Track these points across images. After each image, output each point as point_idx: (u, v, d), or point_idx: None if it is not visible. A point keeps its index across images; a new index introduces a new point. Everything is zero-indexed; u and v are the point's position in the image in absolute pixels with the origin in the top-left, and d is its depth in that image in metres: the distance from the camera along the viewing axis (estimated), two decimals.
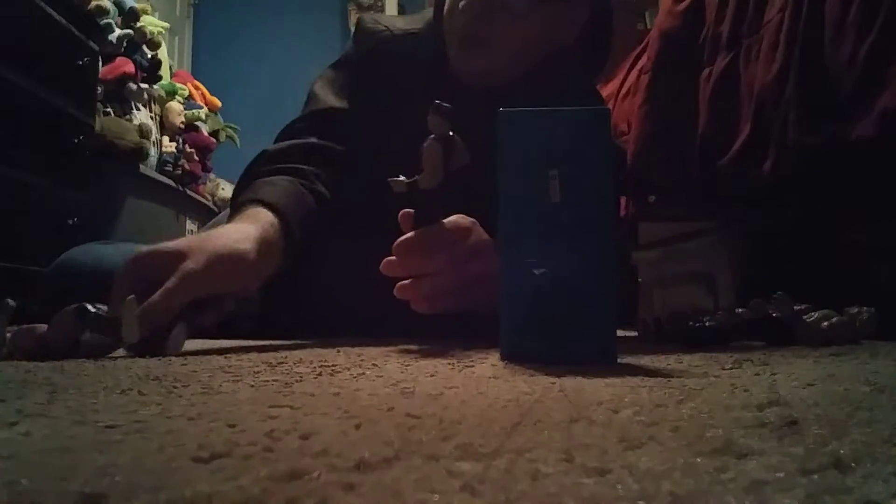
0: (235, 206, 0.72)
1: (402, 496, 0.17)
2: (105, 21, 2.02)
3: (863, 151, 0.89)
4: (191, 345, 0.75)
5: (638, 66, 1.72)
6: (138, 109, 2.35)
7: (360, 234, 0.91)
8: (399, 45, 0.94)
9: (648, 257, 1.69)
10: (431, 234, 0.63)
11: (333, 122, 0.88)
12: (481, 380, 0.40)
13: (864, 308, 0.73)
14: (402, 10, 3.80)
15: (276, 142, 0.90)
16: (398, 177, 0.61)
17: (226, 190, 3.02)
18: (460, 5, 0.83)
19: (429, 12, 1.00)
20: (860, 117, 0.87)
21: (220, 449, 0.21)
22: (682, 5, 1.41)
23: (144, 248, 0.61)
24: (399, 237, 0.62)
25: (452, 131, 0.60)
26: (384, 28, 0.95)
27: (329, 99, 0.91)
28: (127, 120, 2.25)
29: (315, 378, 0.42)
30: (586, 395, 0.34)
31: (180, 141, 2.69)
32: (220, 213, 1.81)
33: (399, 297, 0.63)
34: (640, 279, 1.78)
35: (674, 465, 0.20)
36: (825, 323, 0.69)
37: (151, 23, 2.36)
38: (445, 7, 0.88)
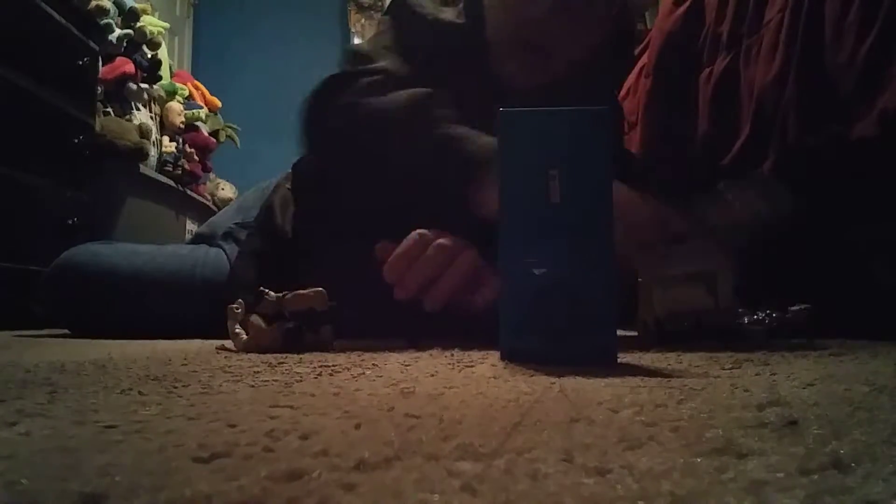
0: None
1: (402, 496, 0.17)
2: (105, 21, 2.01)
3: (863, 151, 0.88)
4: (191, 344, 0.75)
5: (638, 67, 1.72)
6: (138, 109, 2.35)
7: (358, 243, 0.91)
8: (439, 33, 0.88)
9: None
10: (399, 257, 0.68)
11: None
12: (481, 380, 0.40)
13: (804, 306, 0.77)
14: None
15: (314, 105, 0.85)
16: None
17: (226, 190, 3.01)
18: (533, 10, 0.80)
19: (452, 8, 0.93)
20: (860, 117, 0.87)
21: (220, 449, 0.21)
22: (683, 6, 1.41)
23: None
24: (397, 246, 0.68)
25: None
26: (428, 12, 0.89)
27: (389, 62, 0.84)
28: (127, 120, 2.24)
29: (315, 378, 0.42)
30: (586, 395, 0.34)
31: (180, 141, 2.69)
32: (218, 211, 1.81)
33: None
34: (640, 279, 1.78)
35: (674, 465, 0.20)
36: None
37: (151, 23, 2.36)
38: (498, 7, 0.85)
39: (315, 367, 0.48)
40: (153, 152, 2.36)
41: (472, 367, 0.48)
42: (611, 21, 0.87)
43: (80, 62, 1.84)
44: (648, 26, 2.38)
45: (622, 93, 1.77)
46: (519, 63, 0.85)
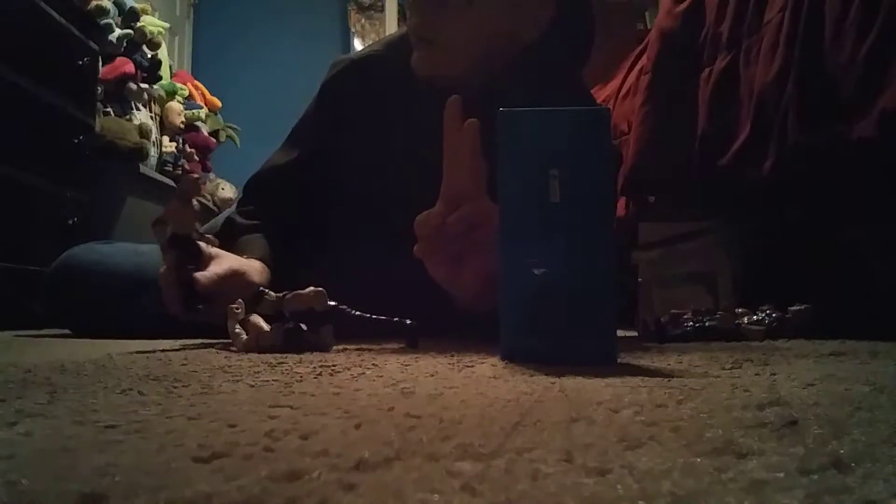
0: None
1: (402, 496, 0.17)
2: (105, 21, 2.02)
3: (863, 152, 0.88)
4: (191, 344, 0.75)
5: (638, 66, 1.72)
6: (138, 109, 2.35)
7: (361, 241, 0.91)
8: (358, 68, 0.97)
9: (648, 257, 1.69)
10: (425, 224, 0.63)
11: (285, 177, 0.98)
12: (481, 380, 0.40)
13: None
14: (401, 10, 3.80)
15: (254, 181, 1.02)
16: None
17: (226, 190, 3.02)
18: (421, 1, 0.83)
19: (397, 33, 1.04)
20: (860, 117, 0.87)
21: (220, 449, 0.21)
22: (682, 5, 1.41)
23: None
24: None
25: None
26: (345, 58, 1.00)
27: (278, 157, 1.00)
28: (127, 120, 2.25)
29: (315, 378, 0.42)
30: (586, 395, 0.34)
31: (180, 141, 2.69)
32: (219, 213, 1.81)
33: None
34: (640, 279, 1.78)
35: (674, 465, 0.20)
36: None
37: (151, 23, 2.36)
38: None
39: (315, 367, 0.48)
40: (153, 152, 2.37)
41: (472, 367, 0.48)
42: (551, 9, 0.86)
43: (80, 62, 1.84)
44: (648, 26, 2.38)
45: (622, 92, 1.77)
46: (417, 55, 0.86)
